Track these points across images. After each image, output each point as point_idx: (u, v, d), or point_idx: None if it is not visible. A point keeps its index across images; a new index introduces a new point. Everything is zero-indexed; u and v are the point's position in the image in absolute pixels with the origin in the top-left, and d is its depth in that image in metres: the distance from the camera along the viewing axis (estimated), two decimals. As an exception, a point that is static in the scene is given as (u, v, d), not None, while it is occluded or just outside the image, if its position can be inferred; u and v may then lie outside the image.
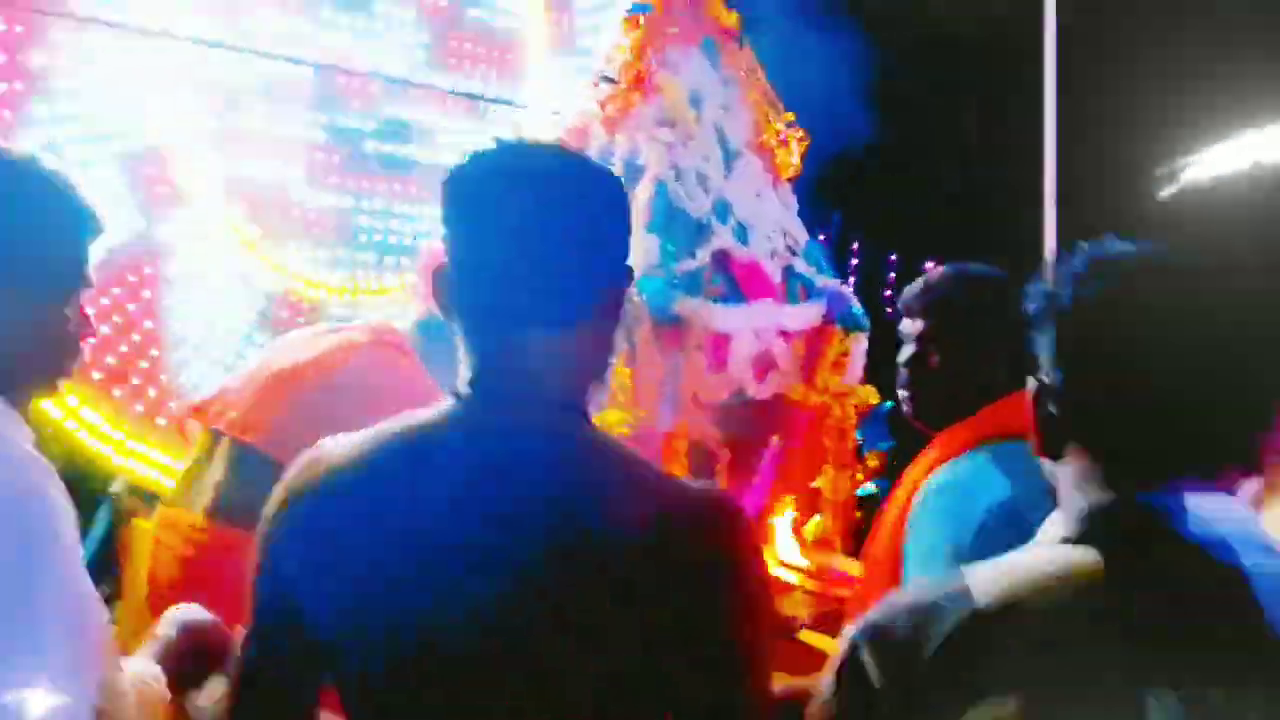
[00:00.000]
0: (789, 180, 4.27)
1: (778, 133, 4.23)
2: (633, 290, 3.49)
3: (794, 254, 4.11)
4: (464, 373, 1.44)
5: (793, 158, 4.24)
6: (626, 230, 1.48)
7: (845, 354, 4.15)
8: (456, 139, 5.52)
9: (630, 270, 1.47)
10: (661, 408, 3.60)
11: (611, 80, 3.96)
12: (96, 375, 4.37)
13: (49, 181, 1.81)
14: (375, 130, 5.26)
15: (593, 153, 3.95)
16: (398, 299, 5.38)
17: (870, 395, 4.25)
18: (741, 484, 4.70)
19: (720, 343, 3.80)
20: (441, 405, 1.45)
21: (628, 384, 3.54)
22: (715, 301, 3.76)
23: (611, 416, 3.48)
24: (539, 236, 1.37)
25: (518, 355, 1.39)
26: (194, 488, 3.42)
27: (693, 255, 3.76)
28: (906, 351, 2.22)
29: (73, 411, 4.33)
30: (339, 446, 1.55)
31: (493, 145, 1.46)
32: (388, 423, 1.54)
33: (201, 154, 4.65)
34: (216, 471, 3.38)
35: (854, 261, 9.56)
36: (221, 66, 4.72)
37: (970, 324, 2.16)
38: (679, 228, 3.78)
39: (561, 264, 1.38)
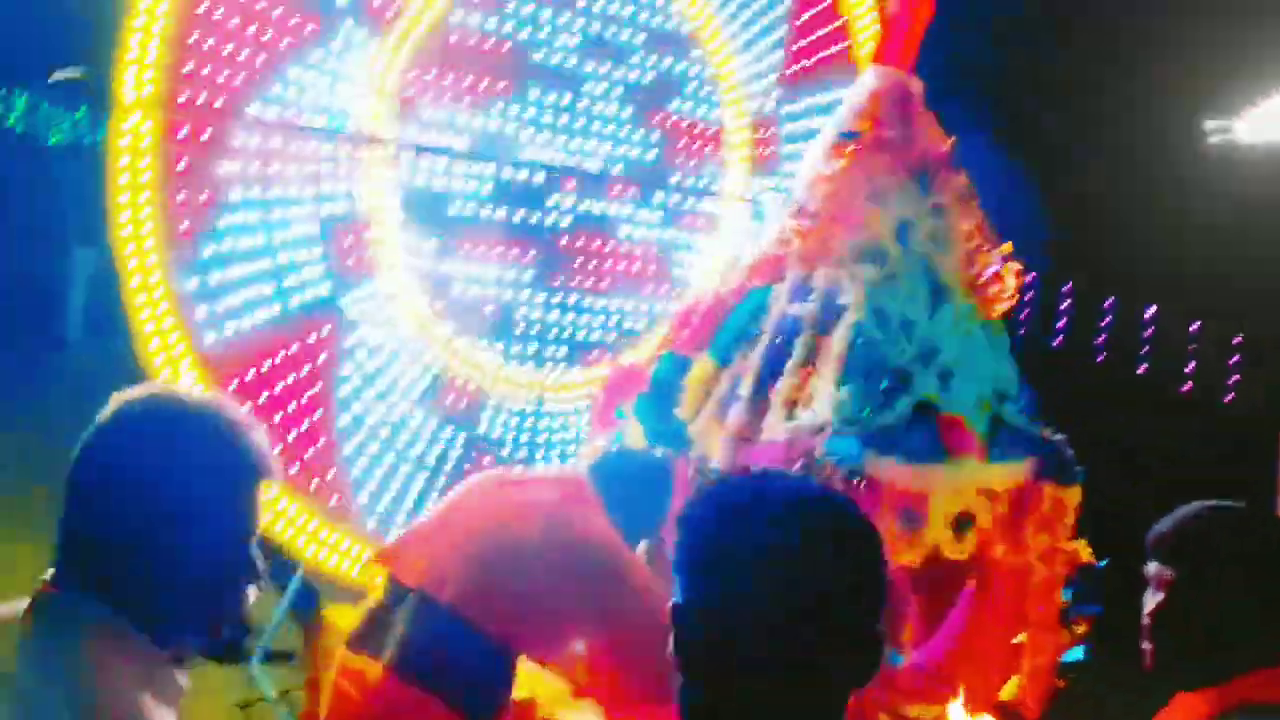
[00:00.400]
0: (1002, 317, 3.96)
1: (990, 266, 3.93)
2: (821, 448, 3.27)
3: (1003, 401, 3.81)
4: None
5: (1006, 293, 3.93)
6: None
7: (1056, 511, 3.81)
8: (651, 230, 5.42)
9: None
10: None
11: (811, 214, 3.75)
12: (294, 468, 4.44)
13: (220, 431, 1.75)
14: (571, 225, 5.20)
15: (786, 286, 3.76)
16: (578, 397, 5.29)
17: (1082, 552, 3.91)
18: (928, 637, 4.40)
19: (915, 502, 3.53)
20: None
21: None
22: (912, 459, 3.50)
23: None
24: (777, 590, 1.38)
25: (742, 703, 1.39)
26: (375, 635, 3.38)
27: (891, 408, 3.51)
28: (1152, 600, 2.05)
29: (270, 503, 4.39)
30: None
31: (736, 489, 1.50)
32: None
33: (398, 234, 4.68)
34: (401, 624, 3.33)
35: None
36: (426, 170, 4.76)
37: (1228, 575, 2.00)
38: (876, 376, 3.54)
39: (796, 622, 1.37)
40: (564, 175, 5.12)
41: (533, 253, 5.11)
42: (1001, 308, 3.93)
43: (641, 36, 5.21)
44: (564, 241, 5.20)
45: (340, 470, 4.51)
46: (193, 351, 4.07)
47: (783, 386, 3.56)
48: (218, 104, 4.16)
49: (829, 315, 3.64)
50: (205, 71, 4.11)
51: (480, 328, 5.01)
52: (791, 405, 3.52)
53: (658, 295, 5.46)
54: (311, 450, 4.44)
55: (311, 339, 4.41)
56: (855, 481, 3.36)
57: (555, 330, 5.23)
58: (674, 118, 5.43)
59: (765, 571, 1.37)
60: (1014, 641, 3.97)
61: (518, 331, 5.07)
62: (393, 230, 4.67)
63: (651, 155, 5.38)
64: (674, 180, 5.46)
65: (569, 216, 5.17)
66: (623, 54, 5.19)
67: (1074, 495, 3.83)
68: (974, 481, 3.59)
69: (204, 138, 4.11)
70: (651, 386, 3.91)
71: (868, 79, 3.87)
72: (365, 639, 3.40)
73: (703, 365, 3.79)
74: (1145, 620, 2.06)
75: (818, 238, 3.75)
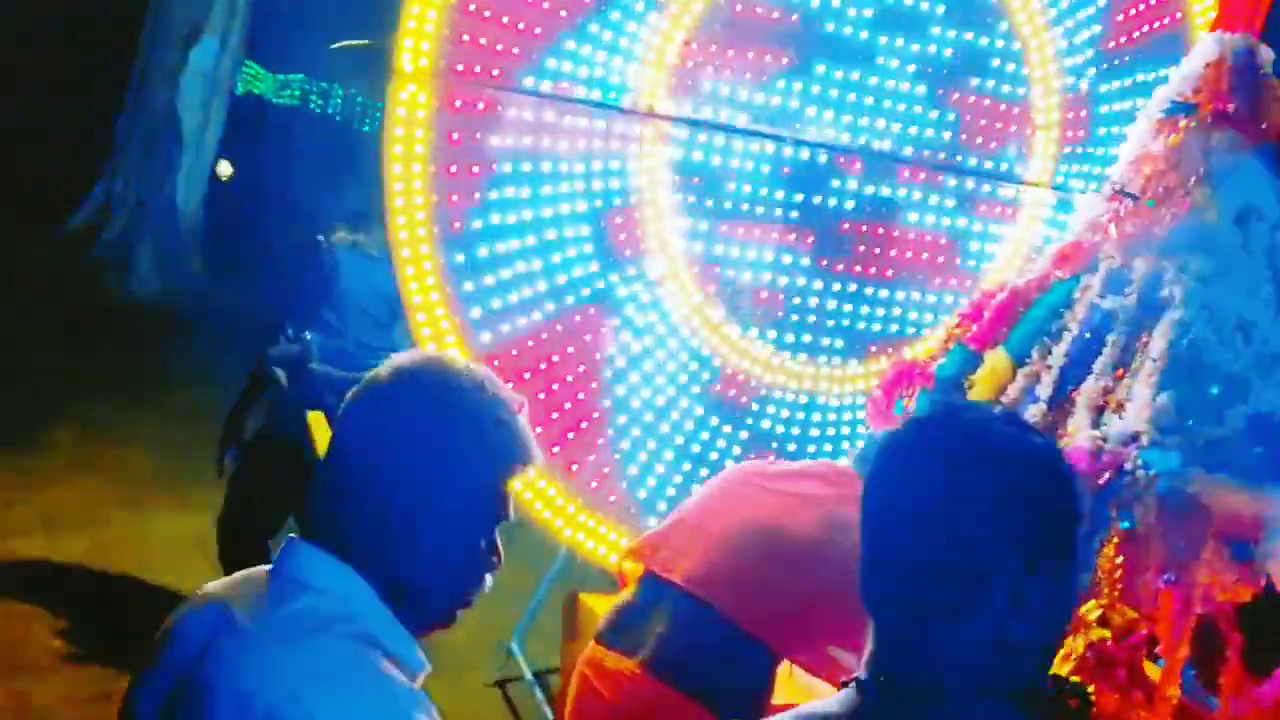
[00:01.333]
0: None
1: (1350, 262, 3.36)
2: (1136, 460, 2.86)
3: (1358, 419, 3.24)
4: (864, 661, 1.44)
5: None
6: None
7: None
8: (942, 217, 5.02)
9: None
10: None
11: (1130, 196, 3.30)
12: (555, 450, 4.35)
13: (493, 413, 1.68)
14: (855, 209, 4.88)
15: (1099, 278, 3.33)
16: (856, 392, 4.97)
17: None
18: (1255, 675, 3.86)
19: (1249, 529, 3.04)
20: (843, 697, 1.44)
21: (1113, 575, 2.90)
22: (1247, 479, 3.01)
23: (1090, 611, 2.89)
24: (932, 526, 1.38)
25: (916, 646, 1.39)
26: (629, 631, 3.21)
27: (1221, 420, 3.02)
28: None
29: (529, 483, 4.31)
30: None
31: (913, 427, 1.54)
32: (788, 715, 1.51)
33: (670, 214, 4.50)
34: (659, 622, 3.15)
35: None
36: (703, 147, 4.56)
37: None
38: (1205, 382, 3.06)
39: (954, 554, 1.37)
40: (850, 155, 4.80)
41: (812, 238, 4.82)
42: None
43: (942, 7, 4.82)
44: (847, 226, 4.88)
45: (602, 455, 4.38)
46: (456, 325, 4.03)
47: (1089, 389, 3.14)
48: (494, 74, 4.09)
49: (1149, 312, 3.18)
50: (482, 41, 4.05)
51: (754, 314, 4.77)
52: (1099, 411, 3.10)
53: (947, 287, 5.06)
54: (573, 433, 4.33)
55: (577, 319, 4.29)
56: (1175, 500, 2.90)
57: (833, 320, 4.92)
58: (975, 96, 5.00)
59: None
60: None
61: (793, 320, 4.80)
62: (666, 210, 4.50)
63: (948, 136, 4.97)
64: (971, 163, 5.04)
65: (853, 200, 4.85)
66: (920, 25, 4.80)
67: None
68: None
69: (480, 108, 4.06)
70: (936, 383, 3.56)
71: (1206, 45, 3.37)
72: (618, 634, 3.25)
73: (995, 361, 3.41)
74: None
75: (1140, 223, 3.30)
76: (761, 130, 4.61)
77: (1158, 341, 3.09)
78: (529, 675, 5.31)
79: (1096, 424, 3.07)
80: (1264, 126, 3.36)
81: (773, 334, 4.80)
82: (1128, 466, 2.91)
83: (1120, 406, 3.06)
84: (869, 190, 4.87)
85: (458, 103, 4.05)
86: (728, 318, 4.70)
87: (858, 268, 4.91)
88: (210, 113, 13.53)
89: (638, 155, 4.42)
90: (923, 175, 4.94)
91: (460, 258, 3.96)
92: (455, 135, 4.06)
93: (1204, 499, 2.94)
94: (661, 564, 3.27)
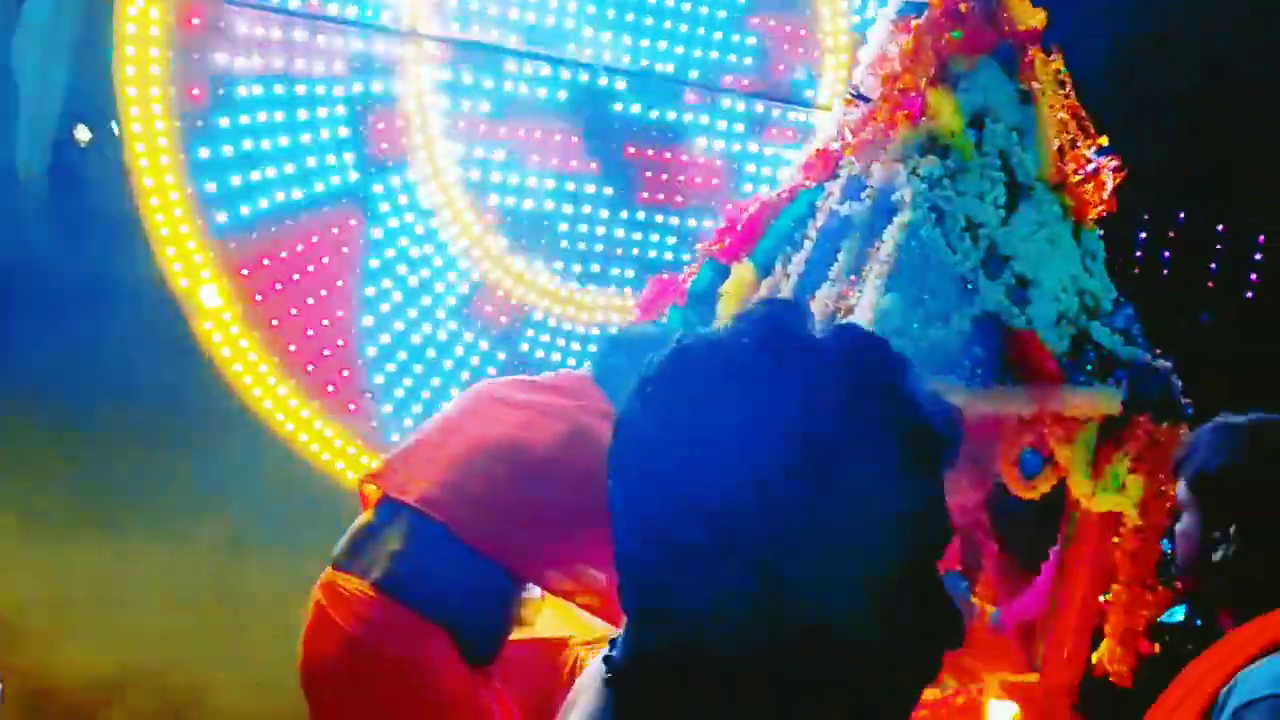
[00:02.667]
0: (1096, 221, 3.39)
1: (1085, 161, 3.36)
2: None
3: (1092, 319, 3.25)
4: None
5: (1103, 193, 3.36)
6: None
7: (1154, 450, 3.25)
8: (731, 142, 4.96)
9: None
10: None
11: (864, 98, 3.25)
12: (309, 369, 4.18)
13: None
14: (639, 133, 4.78)
15: (839, 185, 3.28)
16: (612, 312, 4.86)
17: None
18: (1011, 583, 3.91)
19: (976, 431, 3.03)
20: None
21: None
22: (971, 381, 2.99)
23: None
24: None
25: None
26: (362, 553, 3.09)
27: (947, 321, 3.00)
28: (1180, 523, 1.98)
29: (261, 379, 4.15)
30: None
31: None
32: None
33: (441, 140, 4.34)
34: (393, 541, 3.03)
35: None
36: (475, 65, 4.41)
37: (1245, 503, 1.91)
38: (931, 284, 3.03)
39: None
40: (630, 79, 4.70)
41: (596, 164, 4.71)
42: (1096, 211, 3.36)
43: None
44: (632, 151, 4.78)
45: (361, 375, 4.24)
46: (201, 238, 3.85)
47: (823, 295, 3.08)
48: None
49: (883, 216, 3.13)
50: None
51: (539, 245, 4.66)
52: (832, 317, 3.05)
53: (735, 211, 5.00)
54: (329, 351, 4.17)
55: (335, 229, 4.12)
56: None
57: (622, 249, 4.83)
58: (761, 17, 4.93)
59: None
60: (1102, 599, 3.45)
61: (580, 249, 4.69)
62: (436, 135, 4.35)
63: (734, 58, 4.90)
64: (756, 86, 4.97)
65: (635, 124, 4.75)
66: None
67: (1177, 433, 3.25)
68: (1048, 409, 3.06)
69: (220, 25, 3.86)
70: (689, 298, 3.49)
71: (943, -56, 3.31)
72: (352, 557, 3.12)
73: (741, 273, 3.35)
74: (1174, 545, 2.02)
75: (875, 128, 3.25)
76: (535, 51, 4.48)
77: (887, 244, 3.04)
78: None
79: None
80: (1003, 28, 3.33)
81: (560, 265, 4.69)
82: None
83: (850, 311, 3.01)
84: (653, 115, 4.77)
85: (194, 20, 3.84)
86: (511, 249, 4.58)
87: (645, 194, 4.82)
88: (49, 71, 12.86)
89: (403, 77, 4.25)
90: (709, 99, 4.86)
91: (205, 153, 3.75)
92: (196, 55, 3.85)
93: (929, 400, 2.92)
94: (397, 485, 3.15)
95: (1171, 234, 7.99)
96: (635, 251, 4.84)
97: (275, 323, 4.02)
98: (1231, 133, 6.63)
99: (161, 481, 4.70)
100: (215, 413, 4.49)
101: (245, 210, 3.93)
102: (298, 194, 4.02)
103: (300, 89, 4.03)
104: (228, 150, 3.87)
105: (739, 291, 3.33)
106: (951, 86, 3.26)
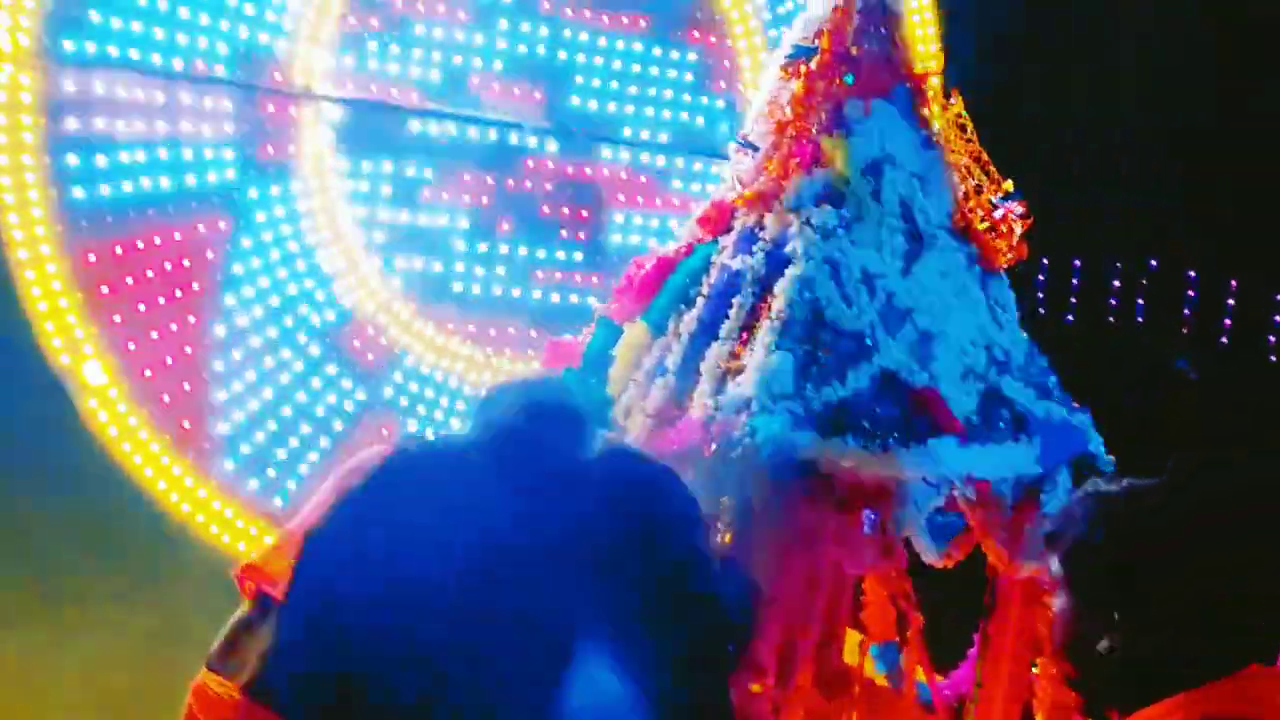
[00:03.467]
0: (1005, 270, 3.22)
1: (991, 208, 3.20)
2: (744, 428, 2.62)
3: (1003, 373, 3.07)
4: None
5: (1012, 240, 3.20)
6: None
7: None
8: (639, 200, 4.78)
9: None
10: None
11: (753, 147, 3.09)
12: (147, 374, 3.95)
13: None
14: (555, 191, 4.62)
15: (732, 239, 3.11)
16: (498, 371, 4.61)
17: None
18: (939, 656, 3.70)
19: (877, 496, 2.84)
20: None
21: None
22: (869, 442, 2.80)
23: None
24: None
25: None
26: (236, 652, 2.88)
27: (841, 380, 2.81)
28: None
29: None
30: None
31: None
32: None
33: (342, 203, 4.17)
34: (263, 641, 2.83)
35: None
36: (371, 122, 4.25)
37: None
38: (823, 341, 2.85)
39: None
40: (545, 134, 4.55)
41: (509, 224, 4.54)
42: (1003, 260, 3.19)
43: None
44: (548, 210, 4.62)
45: (207, 395, 4.02)
46: (80, 310, 3.66)
47: (713, 354, 2.90)
48: (113, 53, 3.73)
49: (774, 269, 2.96)
50: (94, 17, 3.68)
51: (450, 310, 4.47)
52: (722, 379, 2.86)
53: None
54: (172, 358, 3.94)
55: (201, 229, 3.92)
56: (787, 469, 2.67)
57: (538, 311, 4.65)
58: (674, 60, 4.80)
59: None
60: (1033, 672, 3.24)
61: (489, 314, 4.50)
62: (336, 199, 4.18)
63: (651, 111, 4.76)
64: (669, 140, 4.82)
65: (551, 182, 4.59)
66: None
67: (1099, 491, 3.06)
68: (954, 469, 2.86)
69: (98, 91, 3.69)
70: (584, 360, 3.31)
71: (834, -16, 3.17)
72: (224, 655, 2.89)
73: (634, 332, 3.16)
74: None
75: (768, 177, 3.08)
76: (440, 110, 4.32)
77: (778, 300, 2.87)
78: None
79: (718, 393, 2.84)
80: (899, 71, 3.18)
81: (471, 328, 4.50)
82: (736, 435, 2.67)
83: (740, 371, 2.83)
84: (568, 172, 4.62)
85: (70, 86, 3.67)
86: (420, 313, 4.39)
87: (561, 254, 4.65)
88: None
89: (298, 140, 4.09)
90: (625, 154, 4.71)
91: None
92: (72, 122, 3.68)
93: (824, 467, 2.73)
94: (269, 578, 2.93)
95: (1144, 280, 7.84)
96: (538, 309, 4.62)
97: (129, 340, 3.80)
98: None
99: (93, 569, 4.44)
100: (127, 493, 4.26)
101: (105, 190, 3.72)
102: (165, 183, 3.81)
103: (187, 153, 3.87)
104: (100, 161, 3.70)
105: (631, 353, 3.14)
106: (846, 133, 3.10)
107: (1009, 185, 3.22)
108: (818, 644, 2.99)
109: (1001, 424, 3.01)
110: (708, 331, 2.99)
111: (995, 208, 3.21)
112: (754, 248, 3.02)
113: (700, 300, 3.07)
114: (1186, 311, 7.69)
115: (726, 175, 3.47)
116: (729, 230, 3.18)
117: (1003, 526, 2.97)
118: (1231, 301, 7.60)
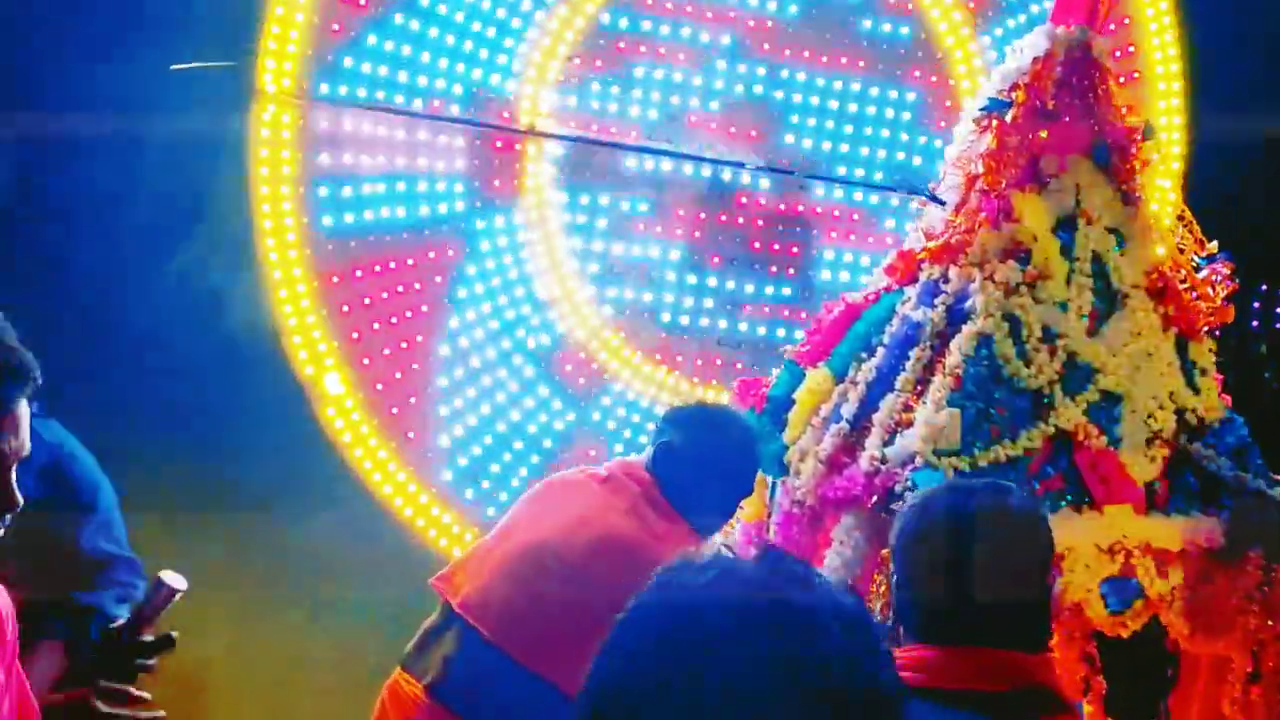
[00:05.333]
0: (1207, 334, 3.11)
1: (1192, 270, 3.09)
2: (907, 482, 2.67)
3: (1194, 441, 2.97)
4: None
5: (1214, 303, 3.08)
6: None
7: (1269, 588, 2.92)
8: (851, 238, 4.80)
9: None
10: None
11: (938, 201, 3.10)
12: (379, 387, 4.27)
13: None
14: (765, 229, 4.71)
15: (917, 290, 3.14)
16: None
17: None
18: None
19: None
20: None
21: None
22: (1046, 504, 2.77)
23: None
24: None
25: None
26: (426, 654, 3.13)
27: (1013, 439, 2.80)
28: None
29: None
30: None
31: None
32: None
33: (560, 235, 4.41)
34: (448, 645, 3.05)
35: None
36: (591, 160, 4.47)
37: None
38: (1001, 399, 2.84)
39: None
40: (760, 172, 4.65)
41: (719, 259, 4.67)
42: (1204, 322, 3.08)
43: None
44: (758, 246, 4.72)
45: (430, 410, 4.32)
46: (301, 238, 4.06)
47: (887, 406, 2.94)
48: (360, 94, 4.09)
49: (954, 323, 2.97)
50: (347, 63, 4.05)
51: (656, 339, 4.63)
52: (893, 431, 2.90)
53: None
54: (401, 373, 4.26)
55: (431, 255, 4.24)
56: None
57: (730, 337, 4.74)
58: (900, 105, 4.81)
59: None
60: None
61: (700, 347, 4.64)
62: (555, 230, 4.42)
63: (865, 151, 4.79)
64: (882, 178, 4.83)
65: (761, 219, 4.69)
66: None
67: (1292, 569, 2.92)
68: (1127, 537, 2.79)
69: (347, 128, 4.06)
70: (768, 402, 3.40)
71: (1036, 38, 3.14)
72: (415, 656, 3.16)
73: (816, 378, 3.23)
74: None
75: (955, 231, 3.09)
76: (654, 146, 4.50)
77: (954, 355, 2.88)
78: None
79: (886, 445, 2.87)
80: (1097, 126, 3.13)
81: (679, 358, 4.65)
82: (897, 489, 2.71)
83: (910, 424, 2.86)
84: (780, 209, 4.71)
85: (323, 123, 4.06)
86: (629, 341, 4.58)
87: (770, 289, 4.74)
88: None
89: (521, 174, 4.36)
90: (839, 191, 4.76)
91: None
92: (324, 157, 4.07)
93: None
94: (453, 588, 3.16)
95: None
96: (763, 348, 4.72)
97: (364, 355, 4.19)
98: None
99: (338, 553, 4.78)
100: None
101: (349, 218, 4.13)
102: (401, 212, 4.20)
103: (422, 185, 4.21)
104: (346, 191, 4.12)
105: (813, 399, 3.21)
106: (1040, 188, 3.08)
107: (1213, 248, 3.10)
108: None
109: (1188, 492, 2.92)
110: (885, 381, 3.03)
111: (1198, 269, 3.11)
112: (936, 300, 3.03)
113: (881, 350, 3.11)
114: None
115: (914, 226, 3.50)
116: (914, 281, 3.20)
117: (1184, 598, 2.87)
118: None
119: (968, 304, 2.96)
